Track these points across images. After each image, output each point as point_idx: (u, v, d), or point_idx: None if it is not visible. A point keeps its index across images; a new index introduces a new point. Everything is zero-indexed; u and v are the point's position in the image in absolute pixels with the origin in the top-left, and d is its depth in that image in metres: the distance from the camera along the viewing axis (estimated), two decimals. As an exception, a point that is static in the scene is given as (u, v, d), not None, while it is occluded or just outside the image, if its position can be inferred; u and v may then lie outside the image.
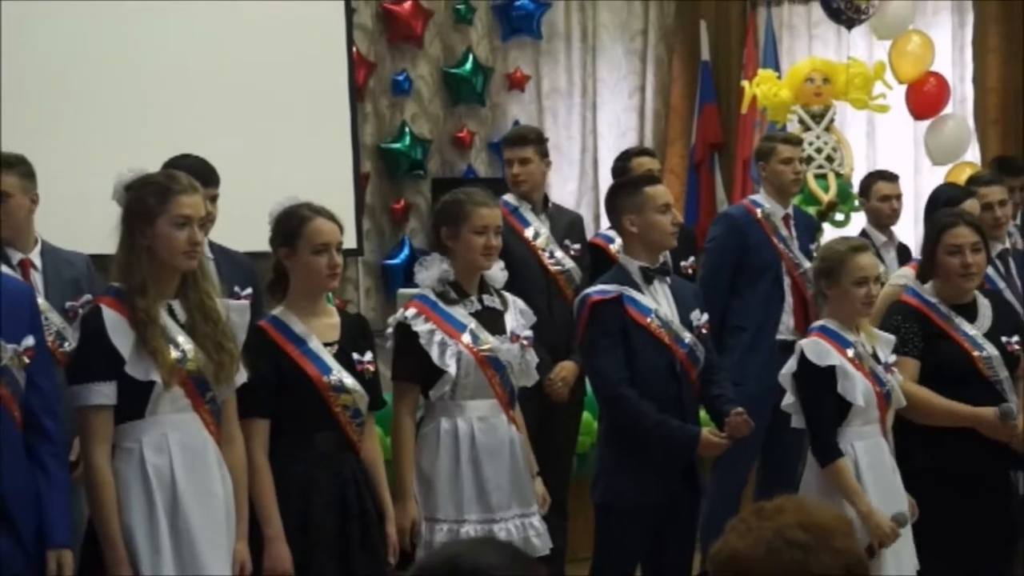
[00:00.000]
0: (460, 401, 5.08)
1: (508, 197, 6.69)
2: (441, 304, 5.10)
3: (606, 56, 10.96)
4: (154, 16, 8.50)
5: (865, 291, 5.08)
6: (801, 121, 9.02)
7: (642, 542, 5.40)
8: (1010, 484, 5.29)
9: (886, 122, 10.05)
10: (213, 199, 5.21)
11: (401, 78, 10.16)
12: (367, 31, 10.02)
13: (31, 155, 5.18)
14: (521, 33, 10.66)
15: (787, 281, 6.76)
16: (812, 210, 8.50)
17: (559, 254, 6.57)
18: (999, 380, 5.33)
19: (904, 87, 9.49)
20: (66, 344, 4.54)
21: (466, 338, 5.06)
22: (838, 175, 8.93)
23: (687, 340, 5.35)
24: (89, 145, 7.97)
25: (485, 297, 5.20)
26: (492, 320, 5.17)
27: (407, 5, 10.10)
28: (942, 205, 6.31)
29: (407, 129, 10.15)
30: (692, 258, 6.65)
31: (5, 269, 4.73)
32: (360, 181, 9.62)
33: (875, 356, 5.13)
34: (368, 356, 4.79)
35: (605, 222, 7.49)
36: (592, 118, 10.94)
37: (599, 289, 5.39)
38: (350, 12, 9.58)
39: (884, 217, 7.28)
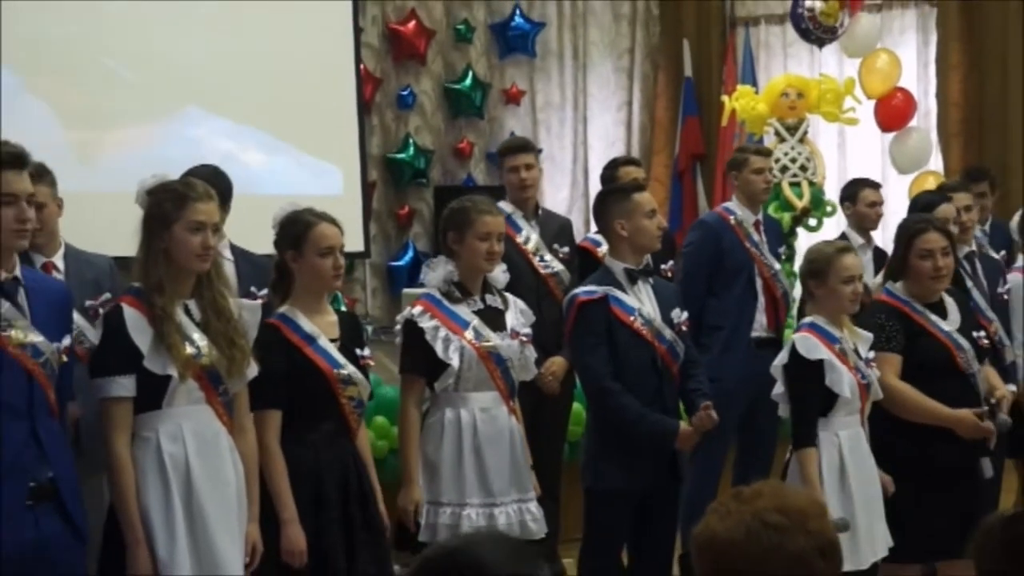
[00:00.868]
0: (463, 393, 5.07)
1: (502, 204, 6.65)
2: (446, 303, 5.10)
3: (596, 73, 10.97)
4: (185, 37, 8.50)
5: (851, 289, 5.09)
6: (777, 133, 9.00)
7: (627, 524, 5.38)
8: (978, 470, 5.27)
9: (855, 134, 10.06)
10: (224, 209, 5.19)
11: (405, 93, 10.17)
12: (374, 49, 10.04)
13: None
14: (517, 51, 10.67)
15: (759, 282, 6.74)
16: (787, 216, 8.48)
17: (548, 257, 6.57)
18: (973, 374, 5.32)
19: (872, 101, 9.48)
20: (85, 343, 4.51)
21: (469, 334, 5.05)
22: (811, 183, 8.92)
23: (668, 336, 5.35)
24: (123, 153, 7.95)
25: (487, 297, 5.19)
26: (494, 318, 5.15)
27: (411, 25, 10.12)
28: (920, 209, 6.30)
29: (411, 140, 10.16)
30: (671, 262, 6.62)
31: (31, 272, 4.71)
32: (367, 189, 9.63)
33: (856, 352, 5.13)
34: (367, 351, 4.81)
35: (595, 226, 7.47)
36: (583, 130, 10.95)
37: (586, 290, 5.38)
38: (358, 32, 9.58)
39: (868, 221, 7.27)
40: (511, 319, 5.19)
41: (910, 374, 5.24)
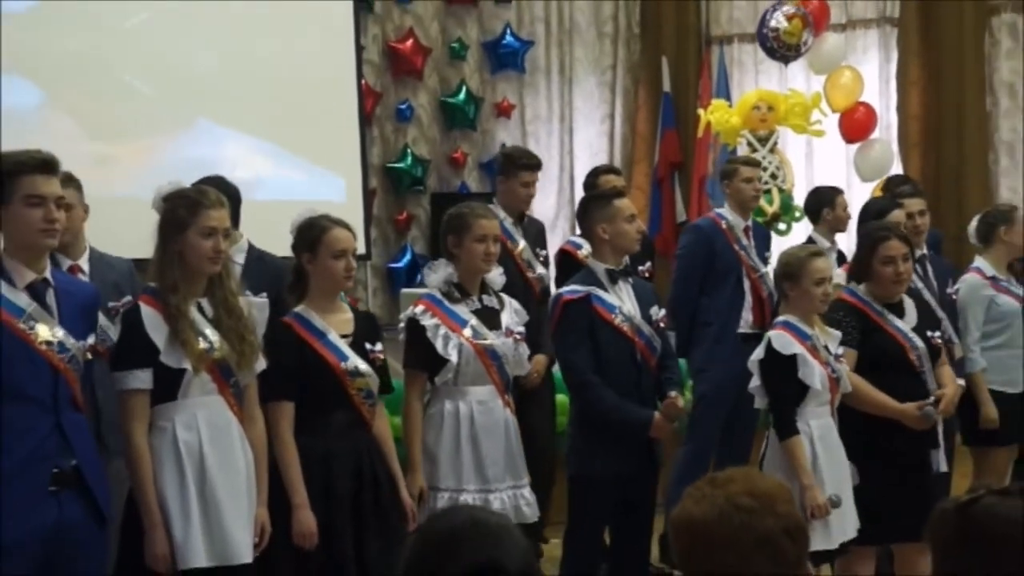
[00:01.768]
0: (462, 387, 5.07)
1: (494, 209, 6.65)
2: (446, 302, 5.11)
3: (581, 87, 10.97)
4: (198, 55, 8.50)
5: (823, 290, 5.11)
6: (749, 144, 9.02)
7: (609, 509, 5.39)
8: (928, 461, 5.29)
9: (822, 145, 10.06)
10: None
11: (404, 106, 10.17)
12: (374, 66, 10.03)
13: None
14: (507, 68, 10.67)
15: (747, 283, 6.76)
16: (759, 220, 8.49)
17: (535, 263, 6.60)
18: (924, 371, 5.34)
19: (837, 115, 9.49)
20: (108, 341, 4.51)
21: (467, 332, 5.06)
22: (781, 190, 8.93)
23: (646, 332, 5.36)
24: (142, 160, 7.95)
25: (484, 297, 5.20)
26: (490, 317, 5.16)
27: (409, 43, 10.11)
28: (873, 215, 6.30)
29: (409, 151, 10.15)
30: (649, 263, 6.63)
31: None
32: (368, 196, 9.63)
33: (827, 348, 5.15)
34: (379, 346, 4.80)
35: (578, 230, 7.47)
36: (569, 141, 10.95)
37: (570, 289, 5.40)
38: (359, 49, 9.58)
39: (843, 225, 7.26)
40: (506, 318, 5.20)
41: (865, 369, 5.26)
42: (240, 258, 5.24)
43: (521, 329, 5.22)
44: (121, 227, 5.50)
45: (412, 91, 10.25)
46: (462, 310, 5.10)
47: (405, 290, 8.23)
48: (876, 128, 9.68)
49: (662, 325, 5.45)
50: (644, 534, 5.49)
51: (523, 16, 10.82)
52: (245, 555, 4.21)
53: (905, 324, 5.36)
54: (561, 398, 6.76)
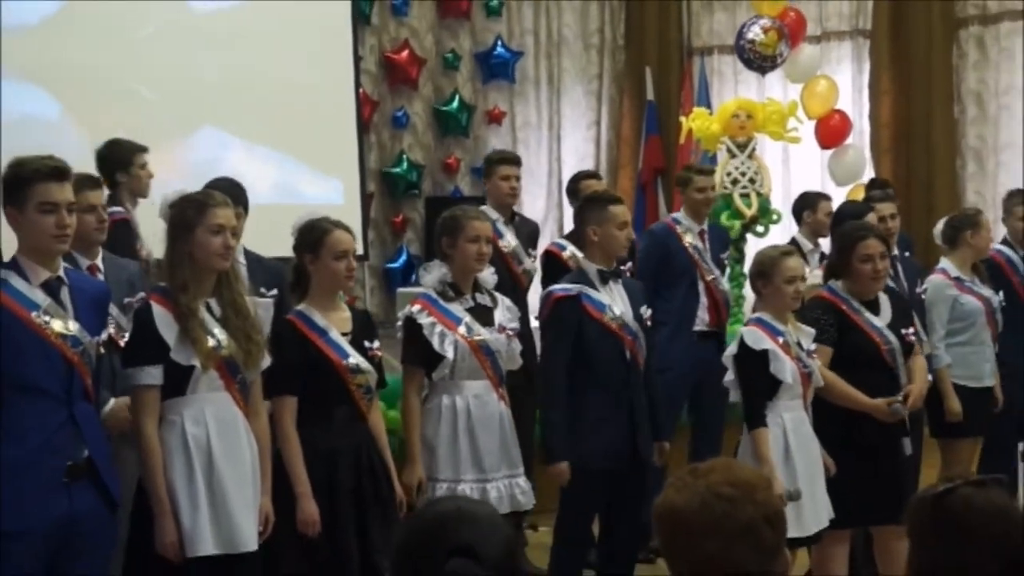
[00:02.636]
0: (458, 381, 5.08)
1: (485, 210, 6.66)
2: (441, 301, 5.11)
3: (568, 96, 10.97)
4: (205, 66, 8.49)
5: (794, 288, 5.11)
6: (728, 150, 9.00)
7: (597, 498, 5.38)
8: (900, 448, 5.31)
9: (798, 151, 10.07)
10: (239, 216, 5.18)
11: (400, 114, 10.16)
12: (372, 75, 10.03)
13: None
14: (499, 77, 10.66)
15: (701, 285, 6.76)
16: (737, 223, 8.49)
17: (524, 259, 6.61)
18: (896, 367, 5.35)
19: (813, 122, 9.49)
20: (125, 335, 4.52)
21: (462, 330, 5.06)
22: (759, 194, 8.91)
23: (634, 330, 5.35)
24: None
25: (478, 296, 5.20)
26: (484, 315, 5.17)
27: (405, 54, 10.11)
28: (847, 218, 6.31)
29: (404, 156, 10.15)
30: (630, 263, 6.65)
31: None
32: (366, 199, 9.63)
33: (799, 344, 5.15)
34: (376, 344, 4.80)
35: (567, 231, 7.47)
36: (557, 147, 10.95)
37: (562, 287, 5.39)
38: (358, 60, 9.58)
39: (824, 229, 7.24)
40: (499, 315, 5.20)
41: (840, 364, 5.27)
42: (240, 259, 5.24)
43: (515, 325, 5.23)
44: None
45: (408, 99, 10.24)
46: (456, 308, 5.11)
47: (401, 289, 8.23)
48: (850, 135, 9.68)
49: (648, 323, 5.45)
50: (632, 522, 5.48)
51: (513, 28, 10.83)
52: (250, 543, 4.20)
53: (880, 321, 5.38)
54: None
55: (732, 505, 2.34)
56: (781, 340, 5.07)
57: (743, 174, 8.90)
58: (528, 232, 6.82)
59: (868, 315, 5.36)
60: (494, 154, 7.18)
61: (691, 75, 10.80)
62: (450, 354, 5.01)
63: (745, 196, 8.77)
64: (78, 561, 3.92)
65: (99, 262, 5.02)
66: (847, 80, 10.32)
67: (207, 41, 8.65)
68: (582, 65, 10.98)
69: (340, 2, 9.43)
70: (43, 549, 3.85)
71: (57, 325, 3.90)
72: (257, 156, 8.76)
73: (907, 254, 7.00)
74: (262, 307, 4.42)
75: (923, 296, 6.48)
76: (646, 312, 5.43)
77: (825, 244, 7.20)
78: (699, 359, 6.51)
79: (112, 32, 8.26)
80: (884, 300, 5.46)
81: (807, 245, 7.08)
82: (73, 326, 3.92)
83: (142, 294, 4.83)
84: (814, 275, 6.31)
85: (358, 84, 9.55)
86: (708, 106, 10.04)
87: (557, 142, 10.94)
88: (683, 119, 9.50)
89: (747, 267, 5.80)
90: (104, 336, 4.09)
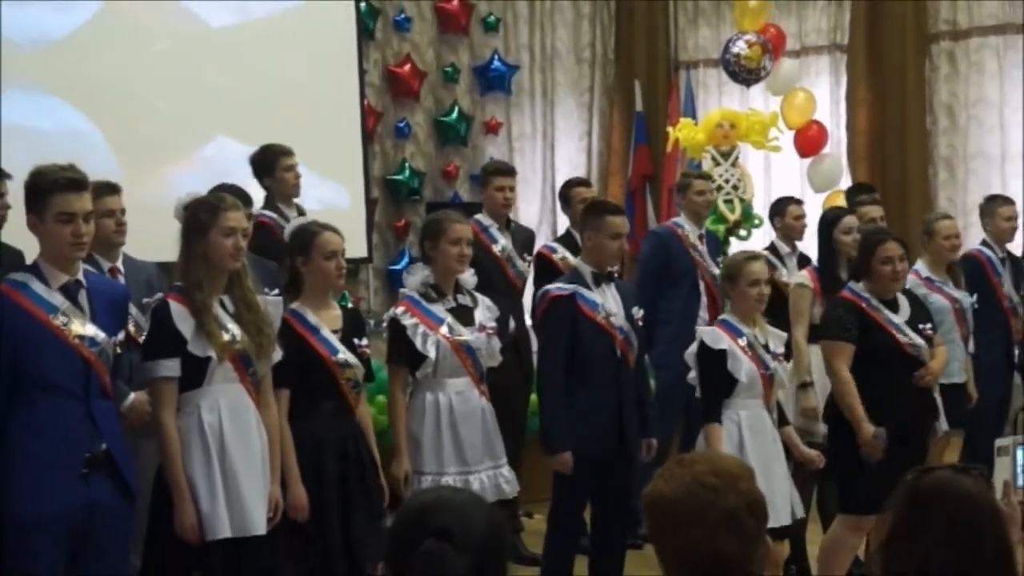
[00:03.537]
0: (440, 379, 5.09)
1: (481, 217, 6.67)
2: (424, 303, 5.12)
3: (562, 108, 10.97)
4: (218, 77, 8.49)
5: (757, 291, 5.10)
6: (713, 158, 9.02)
7: (589, 486, 5.39)
8: (929, 435, 5.34)
9: (779, 159, 10.06)
10: (248, 217, 5.17)
11: (402, 124, 10.15)
12: (375, 88, 10.02)
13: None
14: (495, 90, 10.66)
15: (702, 285, 6.77)
16: (721, 228, 8.50)
17: (518, 263, 6.61)
18: (921, 358, 5.36)
19: (792, 132, 9.50)
20: (143, 333, 4.52)
21: (443, 329, 5.07)
22: (742, 200, 8.93)
23: (625, 329, 5.35)
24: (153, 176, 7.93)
25: (459, 296, 5.21)
26: (465, 315, 5.18)
27: (407, 68, 10.11)
28: (829, 222, 6.33)
29: (407, 164, 10.14)
30: (618, 266, 6.66)
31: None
32: (370, 205, 9.62)
33: (766, 346, 5.14)
34: (364, 340, 4.82)
35: (559, 235, 7.47)
36: (551, 156, 10.95)
37: (558, 286, 5.40)
38: (362, 73, 9.58)
39: (795, 232, 7.23)
40: (479, 315, 5.21)
41: (865, 359, 5.28)
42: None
43: (493, 324, 5.23)
44: (146, 234, 5.50)
45: (409, 111, 10.24)
46: (438, 309, 5.11)
47: (403, 290, 8.22)
48: (827, 144, 9.68)
49: (640, 323, 5.46)
50: (622, 509, 5.48)
51: (510, 43, 10.82)
52: (260, 527, 4.23)
53: (899, 318, 5.39)
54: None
55: (716, 494, 2.35)
56: (743, 341, 5.05)
57: (727, 181, 8.92)
58: (523, 239, 6.83)
59: (888, 313, 5.37)
60: (490, 165, 7.20)
61: (678, 87, 10.80)
62: (432, 354, 5.02)
63: (729, 202, 8.79)
64: (98, 550, 3.93)
65: (119, 264, 5.03)
66: (825, 92, 10.32)
67: (219, 56, 8.65)
68: (574, 78, 10.98)
69: (346, 19, 9.42)
70: (65, 538, 3.86)
71: (75, 327, 3.91)
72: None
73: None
74: (272, 304, 4.44)
75: None
76: (638, 313, 5.43)
77: (802, 246, 7.19)
78: None
79: (130, 47, 8.25)
80: (902, 299, 5.48)
81: (784, 248, 7.09)
82: (90, 328, 3.93)
83: (160, 294, 4.86)
84: (799, 275, 6.34)
85: (363, 96, 9.55)
86: (694, 117, 10.05)
87: (551, 151, 10.93)
88: (670, 129, 9.52)
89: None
90: (122, 335, 4.09)
